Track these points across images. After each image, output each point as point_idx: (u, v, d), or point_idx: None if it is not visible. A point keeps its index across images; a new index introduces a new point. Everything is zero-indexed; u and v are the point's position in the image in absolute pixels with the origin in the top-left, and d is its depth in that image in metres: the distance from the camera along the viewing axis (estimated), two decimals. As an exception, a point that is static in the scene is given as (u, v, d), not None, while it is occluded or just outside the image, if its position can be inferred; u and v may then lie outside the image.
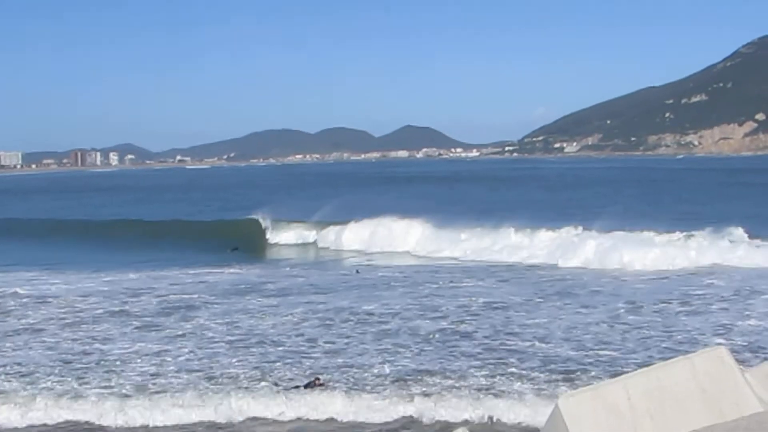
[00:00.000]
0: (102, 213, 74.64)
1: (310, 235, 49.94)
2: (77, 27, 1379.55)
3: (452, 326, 22.98)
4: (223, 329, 23.43)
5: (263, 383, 17.66)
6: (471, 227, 43.55)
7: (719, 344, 9.78)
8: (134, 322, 24.68)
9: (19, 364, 19.96)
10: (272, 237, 51.10)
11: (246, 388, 17.37)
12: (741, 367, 7.22)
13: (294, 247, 49.06)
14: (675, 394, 6.87)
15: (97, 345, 21.80)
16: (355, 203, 65.18)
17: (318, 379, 17.65)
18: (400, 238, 44.45)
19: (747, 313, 23.60)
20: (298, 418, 15.99)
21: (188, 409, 16.39)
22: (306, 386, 17.35)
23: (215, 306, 27.16)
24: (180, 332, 23.15)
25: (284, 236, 50.92)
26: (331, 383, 17.48)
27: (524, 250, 38.42)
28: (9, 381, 18.47)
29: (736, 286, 28.49)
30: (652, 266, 33.32)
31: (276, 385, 17.52)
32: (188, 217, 63.99)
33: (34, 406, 16.64)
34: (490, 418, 15.24)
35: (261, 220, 52.80)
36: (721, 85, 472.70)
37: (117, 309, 26.87)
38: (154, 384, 17.92)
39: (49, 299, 28.88)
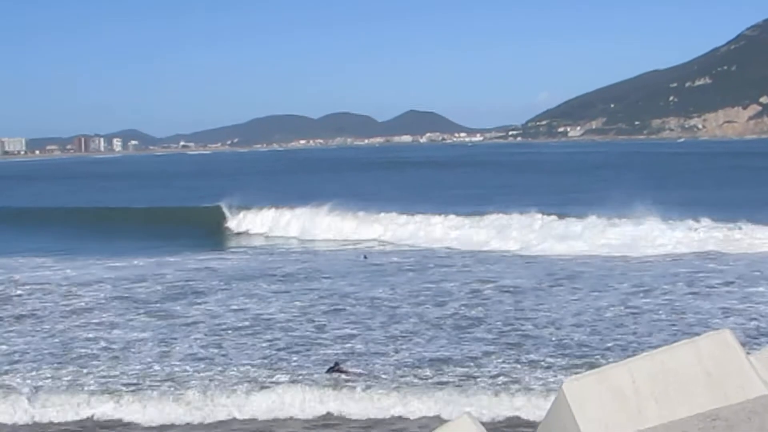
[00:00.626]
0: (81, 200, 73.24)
1: (281, 222, 47.22)
2: (80, 12, 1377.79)
3: (463, 311, 22.83)
4: (230, 315, 23.12)
5: (277, 375, 17.13)
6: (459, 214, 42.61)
7: (727, 328, 9.79)
8: (140, 309, 24.41)
9: (22, 352, 19.63)
10: (239, 224, 49.36)
11: (256, 379, 16.89)
12: (746, 350, 7.21)
13: (260, 236, 46.91)
14: (680, 377, 6.86)
15: (101, 333, 21.43)
16: (353, 189, 64.84)
17: (338, 363, 17.29)
18: (371, 227, 43.36)
19: (756, 297, 23.58)
20: (316, 416, 15.47)
21: (192, 406, 15.77)
22: (328, 371, 16.98)
23: (222, 292, 26.91)
24: (188, 320, 22.80)
25: (252, 223, 48.85)
26: (352, 369, 17.15)
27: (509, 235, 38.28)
28: (10, 372, 18.09)
29: (742, 270, 28.43)
30: (658, 251, 33.26)
31: (295, 379, 16.82)
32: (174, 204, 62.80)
33: (35, 404, 16.08)
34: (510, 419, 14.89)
35: (225, 209, 51.08)
36: (725, 68, 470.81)
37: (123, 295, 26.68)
38: (158, 377, 17.39)
39: (52, 286, 28.57)
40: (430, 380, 16.53)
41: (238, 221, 49.85)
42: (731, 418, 6.65)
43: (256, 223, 48.89)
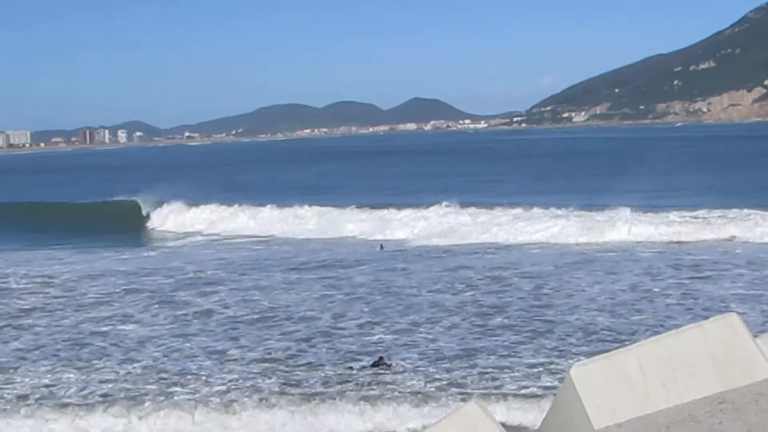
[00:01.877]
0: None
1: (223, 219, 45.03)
2: (85, 4, 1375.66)
3: (483, 299, 22.66)
4: (246, 306, 22.76)
5: (308, 373, 16.42)
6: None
7: (738, 312, 9.80)
8: (152, 300, 24.11)
9: (29, 349, 19.05)
10: (157, 221, 47.42)
11: (290, 381, 16.09)
12: (753, 333, 7.24)
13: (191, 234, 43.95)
14: (686, 361, 6.88)
15: (112, 326, 21.00)
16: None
17: (382, 358, 16.78)
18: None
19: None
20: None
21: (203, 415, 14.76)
22: (373, 365, 16.49)
23: (237, 282, 26.74)
24: (200, 310, 22.41)
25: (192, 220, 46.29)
26: (396, 364, 16.59)
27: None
28: (10, 366, 17.63)
29: (751, 256, 28.36)
30: (668, 238, 33.21)
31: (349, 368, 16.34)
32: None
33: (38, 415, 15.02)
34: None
35: (141, 203, 49.34)
36: (729, 51, 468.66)
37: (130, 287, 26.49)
38: (171, 378, 16.55)
39: (57, 280, 28.42)
40: (466, 372, 16.08)
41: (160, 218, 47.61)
42: (738, 400, 6.68)
43: (194, 220, 46.39)
